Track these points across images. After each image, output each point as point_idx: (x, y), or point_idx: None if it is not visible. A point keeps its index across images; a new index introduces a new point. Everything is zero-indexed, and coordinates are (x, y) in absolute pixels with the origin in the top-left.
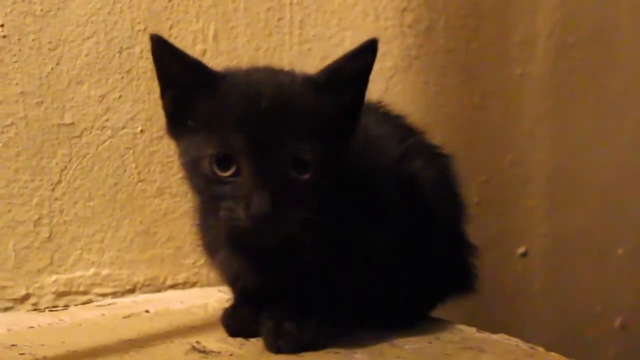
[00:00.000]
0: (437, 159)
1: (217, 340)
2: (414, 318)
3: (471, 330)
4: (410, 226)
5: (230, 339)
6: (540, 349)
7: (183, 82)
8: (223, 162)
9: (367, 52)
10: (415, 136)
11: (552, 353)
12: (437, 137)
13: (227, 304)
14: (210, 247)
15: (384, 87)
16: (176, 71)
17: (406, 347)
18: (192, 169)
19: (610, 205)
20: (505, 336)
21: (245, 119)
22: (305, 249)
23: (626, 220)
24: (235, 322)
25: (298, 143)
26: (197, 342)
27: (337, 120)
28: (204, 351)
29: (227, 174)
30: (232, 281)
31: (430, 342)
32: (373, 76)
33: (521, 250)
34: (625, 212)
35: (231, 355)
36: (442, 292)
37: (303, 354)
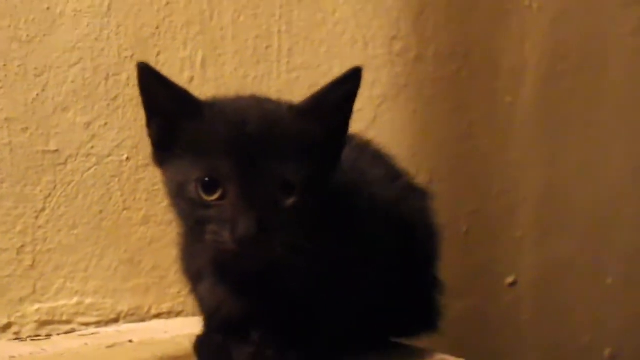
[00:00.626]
0: (425, 205)
1: None
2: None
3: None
4: (393, 267)
5: None
6: None
7: (169, 110)
8: (209, 186)
9: (351, 80)
10: (404, 176)
11: None
12: (425, 166)
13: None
14: (193, 275)
15: (372, 115)
16: (163, 99)
17: None
18: (178, 194)
19: (598, 235)
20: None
21: (232, 143)
22: (291, 275)
23: (615, 250)
24: (210, 351)
25: (284, 166)
26: None
27: (322, 146)
28: None
29: (213, 197)
30: (213, 311)
31: None
32: (362, 104)
33: (510, 279)
34: (614, 242)
35: None
36: (405, 327)
37: None
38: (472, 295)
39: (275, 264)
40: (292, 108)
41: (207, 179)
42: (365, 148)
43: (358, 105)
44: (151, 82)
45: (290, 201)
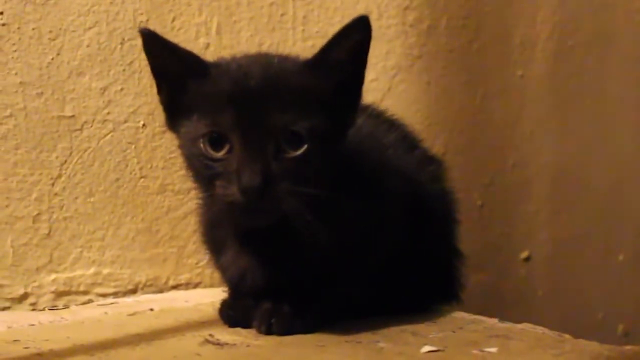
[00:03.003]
0: (441, 172)
1: (230, 333)
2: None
3: (492, 321)
4: (410, 230)
5: (245, 332)
6: (568, 336)
7: (176, 72)
8: (216, 141)
9: (357, 30)
10: (421, 146)
11: (581, 340)
12: (439, 138)
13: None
14: (215, 245)
15: (387, 86)
16: (169, 63)
17: (430, 335)
18: (189, 153)
19: (611, 210)
20: (530, 325)
21: (234, 97)
22: (307, 232)
23: (626, 225)
24: (236, 312)
25: (288, 117)
26: (210, 335)
27: (334, 98)
28: (218, 343)
29: (221, 153)
30: (237, 280)
31: (453, 332)
32: (376, 74)
33: (524, 255)
34: (626, 217)
35: (248, 346)
36: (427, 297)
37: (324, 342)
38: (486, 270)
39: (287, 220)
40: (297, 61)
41: (214, 134)
42: (381, 117)
43: (372, 75)
44: (156, 47)
45: (298, 152)
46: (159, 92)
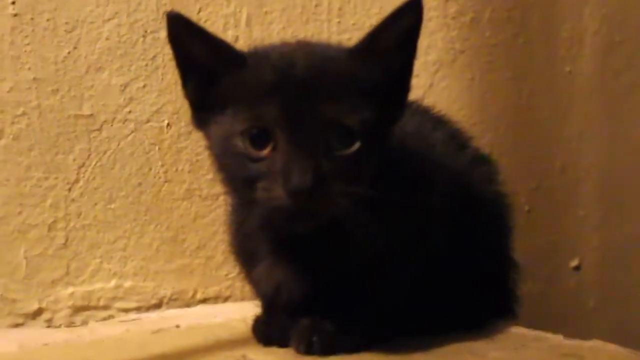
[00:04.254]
0: (493, 173)
1: (265, 353)
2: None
3: (557, 338)
4: (462, 236)
5: (282, 351)
6: None
7: (207, 63)
8: (257, 138)
9: (409, 13)
10: (472, 146)
11: None
12: (484, 137)
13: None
14: (247, 257)
15: (428, 82)
16: (199, 52)
17: (490, 354)
18: (222, 152)
19: None
20: (600, 342)
21: (278, 88)
22: (354, 238)
23: None
24: (271, 329)
25: (338, 109)
26: (244, 355)
27: (383, 89)
28: None
29: (263, 152)
30: (271, 295)
31: (516, 349)
32: (417, 70)
33: (574, 263)
34: None
35: None
36: (481, 312)
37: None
38: (533, 279)
39: (333, 226)
40: (343, 48)
41: (254, 130)
42: (427, 114)
43: (413, 71)
44: (185, 34)
45: (351, 149)
46: (185, 85)
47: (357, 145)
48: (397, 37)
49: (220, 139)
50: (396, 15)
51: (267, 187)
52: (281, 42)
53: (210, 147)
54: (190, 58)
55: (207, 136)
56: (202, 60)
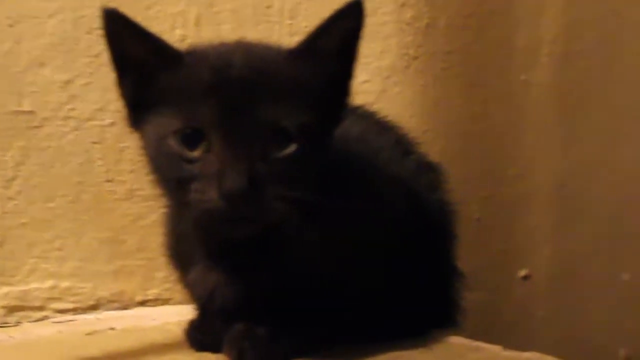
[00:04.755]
0: (439, 181)
1: (197, 359)
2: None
3: (496, 348)
4: (404, 244)
5: (214, 357)
6: None
7: (144, 61)
8: (191, 138)
9: (349, 16)
10: (417, 152)
11: None
12: (435, 145)
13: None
14: (182, 261)
15: (381, 87)
16: (135, 51)
17: None
18: (156, 152)
19: (616, 225)
20: (537, 354)
21: (214, 88)
22: (288, 249)
23: (632, 242)
24: (204, 335)
25: (276, 111)
26: None
27: (322, 92)
28: None
29: (197, 152)
30: (205, 299)
31: None
32: (369, 75)
33: (523, 273)
34: (632, 233)
35: None
36: (422, 321)
37: None
38: (482, 288)
39: (270, 232)
40: (281, 50)
41: (188, 130)
42: (373, 119)
43: (365, 76)
44: (121, 31)
45: (286, 151)
46: (120, 84)
47: (293, 147)
48: (337, 39)
49: (154, 139)
50: (336, 18)
51: (200, 189)
52: (220, 41)
53: (144, 148)
54: (126, 56)
55: (142, 136)
56: (137, 58)
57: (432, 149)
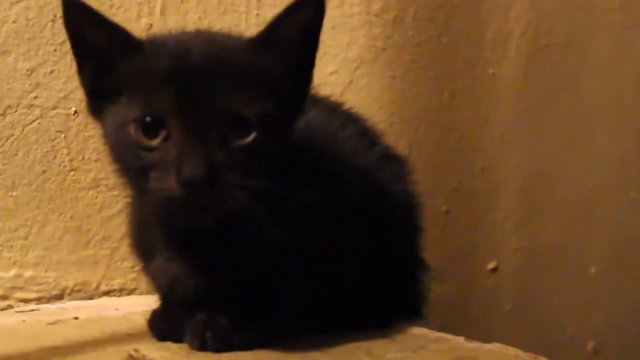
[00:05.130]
0: (404, 172)
1: (158, 349)
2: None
3: (458, 339)
4: (368, 235)
5: (176, 347)
6: (544, 359)
7: (104, 50)
8: (150, 126)
9: (308, 4)
10: (382, 144)
11: None
12: (403, 137)
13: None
14: (144, 251)
15: (348, 79)
16: (95, 38)
17: (388, 356)
18: (116, 140)
19: (584, 219)
20: (500, 345)
21: (173, 76)
22: (248, 239)
23: (600, 236)
24: (167, 324)
25: (234, 98)
26: (136, 350)
27: (283, 81)
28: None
29: (155, 141)
30: (167, 289)
31: (414, 352)
32: (337, 66)
33: (491, 265)
34: (599, 227)
35: None
36: (385, 312)
37: None
38: (449, 281)
39: (230, 221)
40: (241, 39)
41: (147, 118)
42: (336, 110)
43: (332, 67)
44: (80, 17)
45: (246, 139)
46: (80, 72)
47: (253, 135)
48: (298, 28)
49: (113, 127)
50: (296, 6)
51: (159, 178)
52: (180, 30)
53: (105, 137)
54: (86, 43)
55: (103, 125)
56: (97, 45)
57: (400, 141)
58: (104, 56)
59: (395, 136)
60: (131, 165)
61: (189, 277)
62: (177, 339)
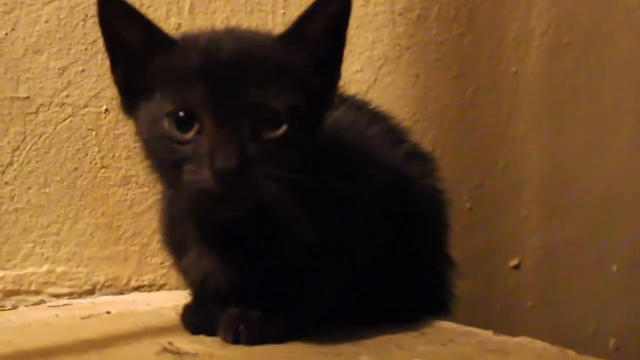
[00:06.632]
0: (431, 169)
1: (192, 342)
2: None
3: (487, 333)
4: (396, 230)
5: (209, 340)
6: (572, 352)
7: (137, 46)
8: (183, 121)
9: (333, 4)
10: (409, 141)
11: (585, 356)
12: (427, 135)
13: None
14: (176, 246)
15: (373, 77)
16: (129, 35)
17: (418, 349)
18: (150, 136)
19: (605, 216)
20: (528, 339)
21: (205, 71)
22: (279, 231)
23: (621, 233)
24: (199, 318)
25: (264, 91)
26: (170, 342)
27: (311, 75)
28: (178, 352)
29: (189, 134)
30: (199, 284)
31: (444, 345)
32: (362, 65)
33: (514, 262)
34: (621, 224)
35: (211, 356)
36: (413, 307)
37: (298, 354)
38: (472, 277)
39: (261, 214)
40: (272, 36)
41: (180, 113)
42: (364, 109)
43: (357, 66)
44: (115, 14)
45: (277, 132)
46: (114, 70)
47: (283, 128)
48: (324, 24)
49: (147, 123)
50: (323, 2)
51: (193, 170)
52: (211, 28)
53: (138, 133)
54: (120, 40)
55: (136, 122)
56: (131, 42)
57: (424, 138)
58: (138, 53)
59: (419, 134)
60: (165, 159)
61: (220, 271)
62: (210, 333)
